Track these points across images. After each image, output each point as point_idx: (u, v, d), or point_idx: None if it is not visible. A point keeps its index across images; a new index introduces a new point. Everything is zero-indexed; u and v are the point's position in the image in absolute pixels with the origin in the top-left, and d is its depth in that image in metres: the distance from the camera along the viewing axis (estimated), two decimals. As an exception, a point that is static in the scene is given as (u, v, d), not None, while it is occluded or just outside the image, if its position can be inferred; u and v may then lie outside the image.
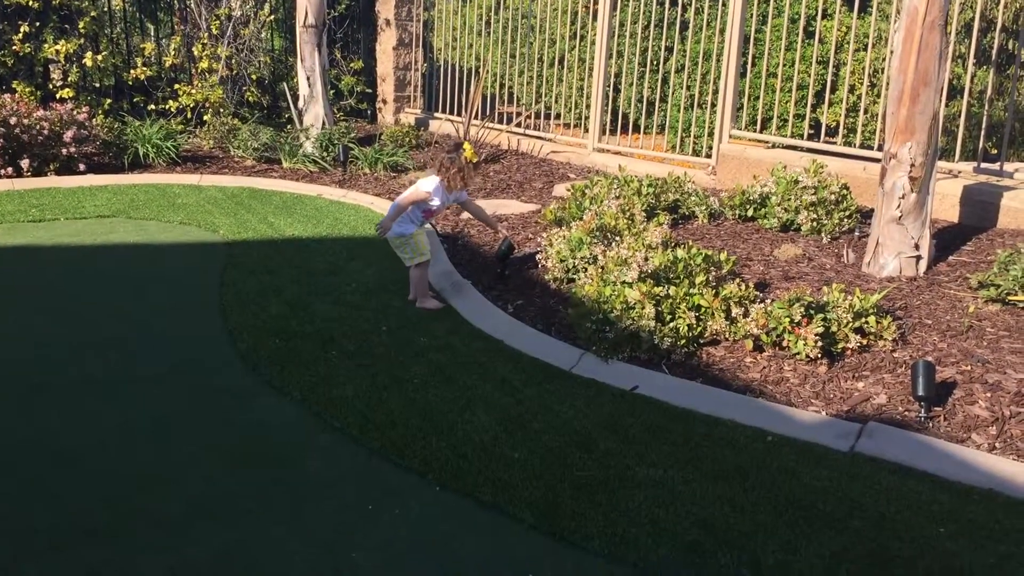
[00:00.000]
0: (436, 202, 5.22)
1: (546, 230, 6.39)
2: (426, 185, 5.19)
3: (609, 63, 9.52)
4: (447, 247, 6.45)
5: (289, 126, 10.24)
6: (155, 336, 4.77)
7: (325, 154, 9.30)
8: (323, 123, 9.81)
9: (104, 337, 4.73)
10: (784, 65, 8.27)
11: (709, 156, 8.71)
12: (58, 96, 9.87)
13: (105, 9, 10.87)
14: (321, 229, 6.94)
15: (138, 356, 4.50)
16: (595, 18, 10.05)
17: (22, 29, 9.72)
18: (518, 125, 10.58)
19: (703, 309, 4.55)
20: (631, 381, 4.22)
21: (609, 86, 9.75)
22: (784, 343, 4.37)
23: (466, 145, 5.27)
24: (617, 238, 5.55)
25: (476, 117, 10.39)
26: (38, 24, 9.93)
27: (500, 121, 10.77)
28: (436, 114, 11.62)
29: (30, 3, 9.71)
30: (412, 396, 4.06)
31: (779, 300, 4.49)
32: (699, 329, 4.52)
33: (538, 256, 5.86)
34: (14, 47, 9.71)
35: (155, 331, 4.84)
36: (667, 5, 9.50)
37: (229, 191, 8.18)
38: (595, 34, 9.81)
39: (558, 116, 10.98)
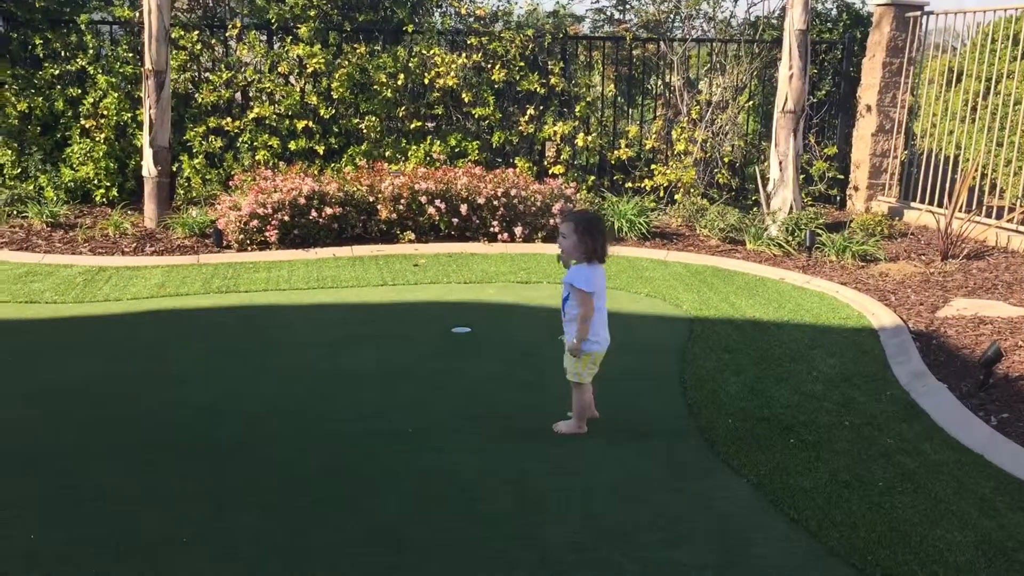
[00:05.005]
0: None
1: (1041, 339, 5.69)
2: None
3: None
4: (919, 346, 6.01)
5: (755, 208, 10.32)
6: (642, 401, 5.06)
7: (790, 238, 9.20)
8: (791, 208, 9.72)
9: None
10: None
11: None
12: (550, 172, 10.98)
13: (598, 95, 11.94)
14: (782, 313, 6.86)
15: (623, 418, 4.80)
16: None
17: (528, 112, 11.02)
18: (1009, 220, 9.57)
19: None
20: None
21: None
22: None
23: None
24: None
25: (960, 210, 9.60)
26: (541, 108, 11.19)
27: (987, 215, 9.83)
28: (913, 204, 10.95)
29: (538, 90, 10.99)
30: (876, 499, 3.81)
31: None
32: None
33: (1030, 367, 5.24)
34: (520, 127, 11.04)
35: (627, 396, 5.13)
36: None
37: (693, 268, 8.45)
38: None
39: (1059, 212, 9.75)
